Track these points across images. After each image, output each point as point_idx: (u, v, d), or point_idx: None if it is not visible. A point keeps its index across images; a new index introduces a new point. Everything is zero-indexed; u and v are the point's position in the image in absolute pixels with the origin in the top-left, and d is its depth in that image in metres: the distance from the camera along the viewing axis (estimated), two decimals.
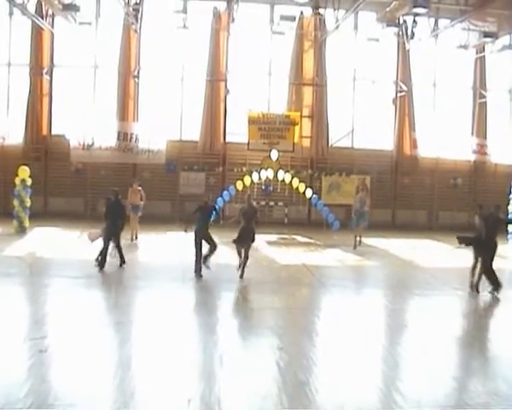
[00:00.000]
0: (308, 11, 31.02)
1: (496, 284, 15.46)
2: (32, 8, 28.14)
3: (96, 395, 7.88)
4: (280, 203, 30.32)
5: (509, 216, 26.50)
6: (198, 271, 16.35)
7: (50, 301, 13.73)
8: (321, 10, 30.65)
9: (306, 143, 31.23)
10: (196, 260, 16.44)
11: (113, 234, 17.37)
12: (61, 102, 30.85)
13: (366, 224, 24.50)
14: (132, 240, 22.97)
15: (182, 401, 7.80)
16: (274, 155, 29.05)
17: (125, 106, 30.44)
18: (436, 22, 29.41)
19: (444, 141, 31.41)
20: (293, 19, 30.30)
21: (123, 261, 17.60)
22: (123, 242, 18.26)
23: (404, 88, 31.62)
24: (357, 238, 23.99)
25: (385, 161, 32.04)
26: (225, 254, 18.61)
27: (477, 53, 31.80)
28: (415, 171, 32.02)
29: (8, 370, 8.72)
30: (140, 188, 23.43)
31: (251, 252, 16.53)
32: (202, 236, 16.46)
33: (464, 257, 23.11)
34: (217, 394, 8.08)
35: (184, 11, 28.88)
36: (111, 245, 17.43)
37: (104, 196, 19.07)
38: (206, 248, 16.52)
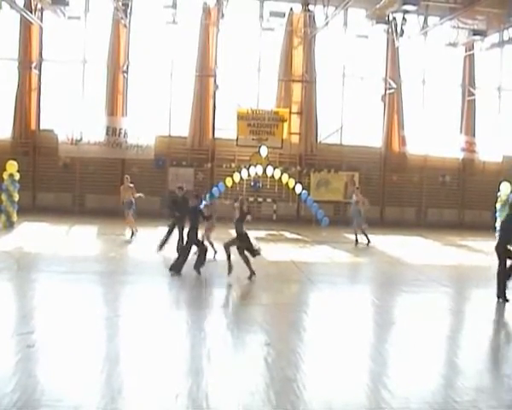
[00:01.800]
0: (298, 7, 31.06)
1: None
2: (20, 1, 28.04)
3: (84, 390, 7.86)
4: (268, 200, 30.33)
5: (496, 214, 26.57)
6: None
7: (38, 296, 13.67)
8: (310, 7, 30.74)
9: (295, 139, 31.26)
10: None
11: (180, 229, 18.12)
12: (49, 97, 30.75)
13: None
14: (132, 236, 22.80)
15: (169, 396, 7.79)
16: (263, 151, 29.03)
17: (114, 101, 30.38)
18: (425, 20, 29.49)
19: (432, 138, 31.55)
20: (283, 15, 30.39)
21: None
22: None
23: (393, 85, 31.69)
24: (357, 235, 23.83)
25: (373, 157, 32.11)
26: (213, 251, 18.60)
27: (466, 51, 31.94)
28: (403, 168, 32.13)
29: None
30: (131, 185, 23.10)
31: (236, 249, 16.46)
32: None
33: (452, 254, 23.31)
34: (204, 389, 8.08)
35: (174, 6, 28.91)
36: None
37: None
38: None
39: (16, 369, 8.45)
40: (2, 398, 7.41)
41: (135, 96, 31.09)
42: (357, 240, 23.81)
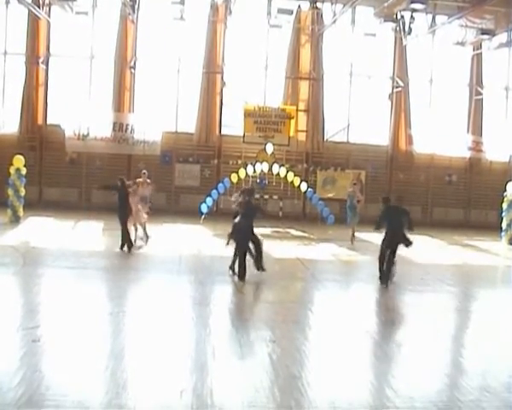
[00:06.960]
0: (306, 5, 31.04)
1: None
2: None
3: (89, 386, 7.87)
4: (275, 197, 30.27)
5: (503, 214, 26.47)
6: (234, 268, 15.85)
7: (43, 290, 13.72)
8: (318, 4, 30.72)
9: (302, 137, 31.25)
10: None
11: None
12: (56, 92, 30.80)
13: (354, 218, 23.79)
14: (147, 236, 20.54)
15: (174, 392, 7.79)
16: (269, 148, 29.03)
17: (121, 96, 30.41)
18: (433, 18, 29.46)
19: (439, 137, 31.49)
20: (291, 12, 30.36)
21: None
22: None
23: (401, 84, 31.64)
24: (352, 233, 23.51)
25: (380, 156, 32.09)
26: (219, 247, 18.62)
27: (474, 50, 31.87)
28: (410, 167, 32.09)
29: (0, 359, 8.72)
30: (149, 180, 21.33)
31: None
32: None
33: (458, 254, 23.26)
34: (209, 386, 8.08)
35: (182, 2, 28.93)
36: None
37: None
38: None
39: (21, 364, 8.46)
40: (7, 392, 7.42)
41: (142, 92, 31.12)
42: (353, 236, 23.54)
